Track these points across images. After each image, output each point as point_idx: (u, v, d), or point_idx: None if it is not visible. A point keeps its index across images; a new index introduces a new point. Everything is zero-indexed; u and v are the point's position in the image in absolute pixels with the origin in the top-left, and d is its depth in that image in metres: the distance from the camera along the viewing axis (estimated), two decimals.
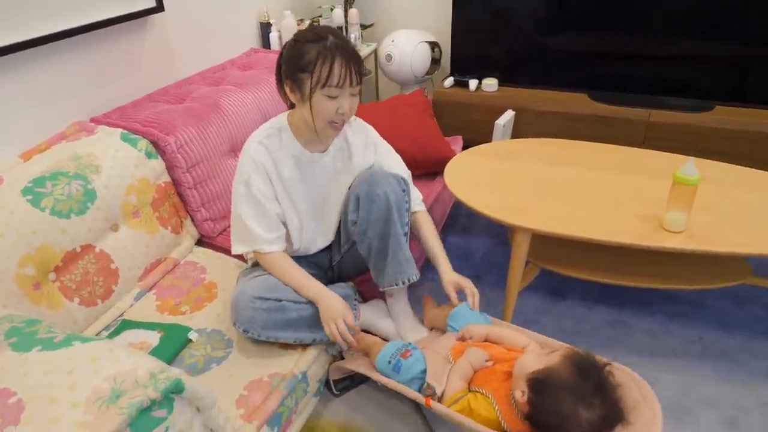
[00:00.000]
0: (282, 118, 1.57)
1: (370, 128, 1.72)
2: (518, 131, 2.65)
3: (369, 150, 1.68)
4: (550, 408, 1.14)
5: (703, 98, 2.50)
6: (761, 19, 2.31)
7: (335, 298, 1.51)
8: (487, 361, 1.34)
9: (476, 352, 1.35)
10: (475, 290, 1.57)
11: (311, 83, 1.38)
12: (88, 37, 1.84)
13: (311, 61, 1.36)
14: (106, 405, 0.89)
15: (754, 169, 1.87)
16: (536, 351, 1.36)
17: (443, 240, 2.33)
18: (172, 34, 2.18)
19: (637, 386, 1.25)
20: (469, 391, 1.31)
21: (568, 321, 1.90)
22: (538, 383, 1.17)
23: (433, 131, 2.37)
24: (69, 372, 0.94)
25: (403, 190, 1.57)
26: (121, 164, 1.69)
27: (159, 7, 2.05)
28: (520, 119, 2.63)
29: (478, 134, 2.60)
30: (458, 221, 2.45)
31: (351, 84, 1.38)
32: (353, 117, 1.67)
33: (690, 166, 1.48)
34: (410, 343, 1.47)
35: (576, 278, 1.79)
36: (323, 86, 1.37)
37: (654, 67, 2.56)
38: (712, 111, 2.44)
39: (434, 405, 1.28)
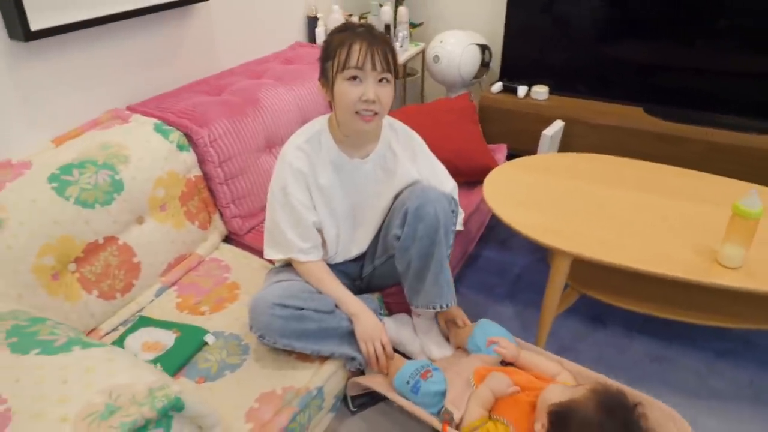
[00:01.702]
0: (322, 121, 1.51)
1: (416, 136, 1.64)
2: (567, 143, 2.52)
3: (414, 160, 1.60)
4: None
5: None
6: None
7: (374, 317, 1.49)
8: (510, 387, 1.25)
9: (499, 378, 1.27)
10: (467, 322, 1.57)
11: (333, 69, 1.34)
12: (130, 23, 1.81)
13: (334, 47, 1.33)
14: (98, 422, 0.84)
15: None
16: (566, 381, 1.26)
17: (478, 254, 2.25)
18: (215, 24, 2.14)
19: (677, 426, 1.14)
20: (490, 418, 1.22)
21: (607, 350, 1.77)
22: (559, 416, 1.09)
23: (476, 138, 2.26)
24: (63, 382, 0.89)
25: (453, 211, 1.50)
26: (150, 156, 1.65)
27: None
28: (569, 131, 2.50)
29: (524, 144, 2.49)
30: (496, 233, 2.35)
31: (374, 67, 1.31)
32: (399, 124, 1.60)
33: (753, 197, 1.35)
34: (431, 363, 1.40)
35: (619, 306, 1.67)
36: (343, 68, 1.32)
37: (717, 82, 2.39)
38: None
39: None
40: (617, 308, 1.72)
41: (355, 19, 2.66)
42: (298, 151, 1.46)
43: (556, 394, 1.15)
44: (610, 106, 2.54)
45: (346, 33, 1.34)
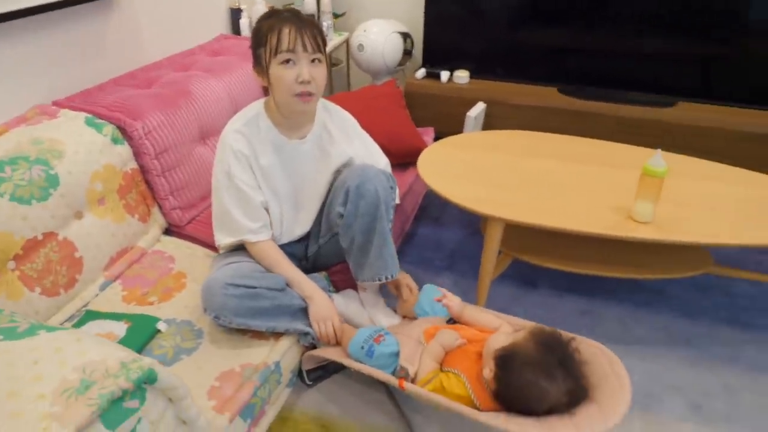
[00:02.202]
0: (258, 105, 1.55)
1: (349, 116, 1.70)
2: (490, 124, 2.67)
3: (349, 139, 1.66)
4: (514, 382, 1.17)
5: (668, 94, 2.55)
6: (722, 17, 2.37)
7: (327, 298, 1.55)
8: (457, 340, 1.35)
9: (448, 334, 1.37)
10: (412, 282, 1.65)
11: (266, 55, 1.38)
12: (49, 16, 1.76)
13: (264, 33, 1.38)
14: (75, 396, 0.86)
15: (718, 163, 1.91)
16: (507, 331, 1.37)
17: (414, 231, 2.35)
18: (139, 16, 2.11)
19: (607, 358, 1.29)
20: (442, 371, 1.31)
21: (540, 310, 1.92)
22: (504, 359, 1.19)
23: (405, 122, 2.36)
24: (34, 362, 0.90)
25: (391, 187, 1.57)
26: (85, 149, 1.63)
27: None
28: (491, 112, 2.64)
29: (449, 126, 2.61)
30: (429, 212, 2.46)
31: (305, 49, 1.37)
32: (332, 105, 1.66)
33: (658, 158, 1.51)
34: (382, 328, 1.48)
35: (547, 268, 1.81)
36: (275, 53, 1.37)
37: (621, 63, 2.60)
38: (675, 107, 2.50)
39: (407, 386, 1.30)
40: (546, 270, 1.86)
41: None
42: (237, 134, 1.49)
43: (499, 340, 1.25)
44: (527, 87, 2.70)
45: (273, 19, 1.38)
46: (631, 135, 2.48)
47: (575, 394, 1.16)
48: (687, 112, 2.45)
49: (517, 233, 1.89)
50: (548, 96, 2.61)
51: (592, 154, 1.96)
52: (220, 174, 1.52)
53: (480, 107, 2.56)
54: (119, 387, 0.89)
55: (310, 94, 1.41)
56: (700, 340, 1.81)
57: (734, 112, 2.43)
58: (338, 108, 1.67)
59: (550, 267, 1.81)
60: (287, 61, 1.37)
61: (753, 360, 1.73)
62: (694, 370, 1.70)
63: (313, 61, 1.40)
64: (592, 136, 2.13)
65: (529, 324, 1.42)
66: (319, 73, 1.41)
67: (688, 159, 1.94)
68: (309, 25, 1.38)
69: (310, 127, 1.58)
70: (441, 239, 2.30)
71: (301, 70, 1.37)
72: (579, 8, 2.56)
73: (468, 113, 2.49)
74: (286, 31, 1.35)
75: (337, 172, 1.63)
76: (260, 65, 1.43)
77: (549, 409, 1.16)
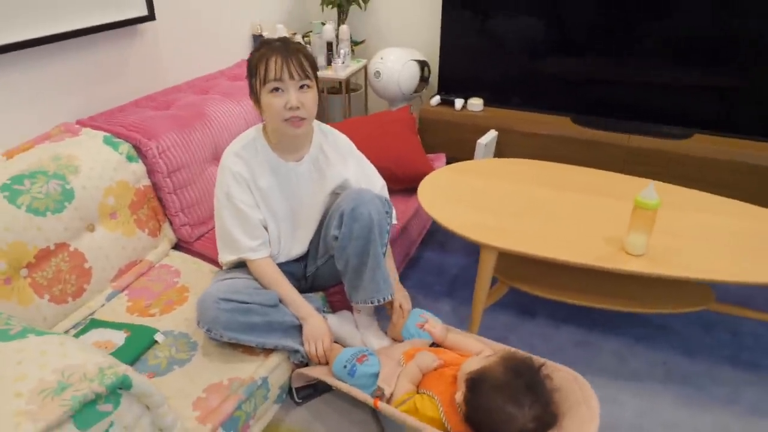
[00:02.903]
0: (255, 130, 1.63)
1: (345, 139, 1.75)
2: (502, 152, 2.69)
3: (345, 160, 1.71)
4: (482, 405, 1.19)
5: (683, 125, 2.54)
6: (741, 50, 2.36)
7: (320, 318, 1.60)
8: (434, 362, 1.38)
9: (426, 356, 1.39)
10: (407, 304, 1.67)
11: (257, 85, 1.46)
12: (79, 41, 1.89)
13: (254, 64, 1.46)
14: (51, 396, 0.92)
15: (719, 197, 1.90)
16: (486, 354, 1.39)
17: (420, 255, 2.38)
18: (162, 42, 2.23)
19: (579, 386, 1.30)
20: (418, 392, 1.34)
21: (535, 339, 1.92)
22: (474, 382, 1.22)
23: (415, 147, 2.40)
24: (18, 363, 0.96)
25: (387, 212, 1.61)
26: (100, 166, 1.73)
27: (150, 16, 2.10)
28: (504, 140, 2.67)
29: (461, 153, 2.64)
30: (436, 237, 2.49)
31: (291, 77, 1.43)
32: (328, 128, 1.72)
33: (650, 190, 1.51)
34: (367, 349, 1.51)
35: (546, 298, 1.82)
36: (264, 83, 1.44)
37: (636, 93, 2.60)
38: (691, 138, 2.48)
39: (381, 406, 1.33)
40: (545, 300, 1.87)
41: (298, 37, 2.79)
42: (235, 157, 1.57)
43: (472, 364, 1.28)
44: (541, 116, 2.72)
45: (262, 49, 1.46)
46: (644, 166, 2.48)
47: (542, 420, 1.17)
48: (702, 144, 2.43)
49: (514, 262, 1.90)
50: (561, 125, 2.63)
51: (594, 184, 1.97)
52: (221, 194, 1.59)
53: (491, 135, 2.59)
54: (92, 390, 0.94)
55: (300, 119, 1.48)
56: (699, 378, 1.78)
57: (752, 145, 2.40)
58: (334, 131, 1.73)
59: (547, 297, 1.81)
60: (276, 89, 1.45)
61: (753, 403, 1.69)
62: (689, 409, 1.67)
63: (301, 87, 1.46)
64: (602, 167, 2.14)
65: (511, 350, 1.43)
66: (308, 98, 1.48)
67: (690, 192, 1.93)
68: (295, 53, 1.45)
69: (307, 149, 1.64)
70: (444, 265, 2.32)
71: (290, 97, 1.44)
72: (595, 38, 2.58)
73: (479, 140, 2.53)
74: (273, 60, 1.43)
75: (334, 194, 1.68)
76: (254, 94, 1.50)
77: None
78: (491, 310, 2.02)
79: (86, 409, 0.95)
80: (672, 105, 2.56)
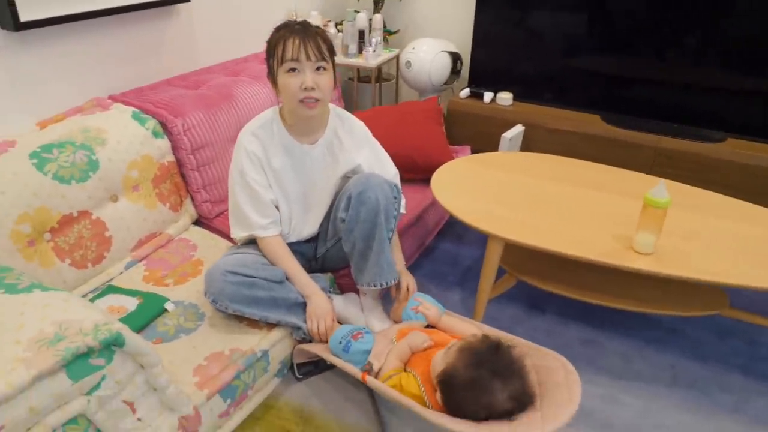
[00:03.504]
0: (273, 111, 1.67)
1: (361, 125, 1.78)
2: (528, 147, 2.67)
3: (359, 146, 1.74)
4: (458, 404, 1.22)
5: (717, 129, 2.47)
6: None
7: (324, 297, 1.64)
8: (425, 342, 1.40)
9: (417, 335, 1.42)
10: (413, 285, 1.70)
11: (275, 65, 1.50)
12: (115, 18, 1.97)
13: (273, 44, 1.50)
14: (47, 346, 0.98)
15: (742, 201, 1.84)
16: (450, 344, 1.39)
17: (436, 246, 2.39)
18: (197, 24, 2.30)
19: (565, 372, 1.30)
20: (405, 371, 1.36)
21: (540, 334, 1.91)
22: (445, 385, 1.24)
23: (438, 138, 2.41)
24: (21, 314, 1.03)
25: (395, 197, 1.64)
26: (127, 140, 1.81)
27: None
28: (530, 135, 2.65)
29: (487, 146, 2.63)
30: (454, 229, 2.49)
31: (308, 58, 1.47)
32: (345, 114, 1.75)
33: (660, 189, 1.49)
34: (363, 327, 1.54)
35: (557, 294, 1.81)
36: (281, 63, 1.48)
37: (670, 93, 2.54)
38: (725, 143, 2.41)
39: (369, 380, 1.37)
40: (557, 297, 1.86)
41: (332, 25, 2.82)
42: (251, 137, 1.61)
43: (438, 362, 1.29)
44: (570, 113, 2.69)
45: (282, 31, 1.50)
46: (672, 169, 2.42)
47: (518, 398, 1.19)
48: (737, 149, 2.36)
49: (525, 255, 1.90)
50: (590, 123, 2.59)
51: (610, 182, 1.94)
52: (235, 172, 1.64)
53: (517, 129, 2.57)
54: (85, 344, 1.00)
55: (315, 100, 1.51)
56: (707, 384, 1.74)
57: None
58: (351, 116, 1.76)
59: (554, 292, 1.80)
60: (292, 69, 1.48)
61: (760, 413, 1.64)
62: (692, 415, 1.63)
63: (318, 69, 1.49)
64: (630, 168, 2.10)
65: (500, 335, 1.44)
66: (324, 80, 1.51)
67: (706, 193, 1.88)
68: (313, 35, 1.48)
69: (322, 132, 1.68)
70: (459, 256, 2.33)
71: (305, 78, 1.48)
72: (633, 36, 2.53)
73: (503, 134, 2.51)
74: (291, 41, 1.46)
75: (346, 178, 1.71)
76: (272, 74, 1.54)
77: (498, 415, 1.19)
78: (499, 301, 2.01)
79: (78, 361, 1.01)
80: (707, 107, 2.49)
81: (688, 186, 1.91)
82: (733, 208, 1.81)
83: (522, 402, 1.20)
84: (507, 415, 1.19)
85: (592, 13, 2.57)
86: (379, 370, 1.39)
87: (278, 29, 1.53)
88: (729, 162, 2.34)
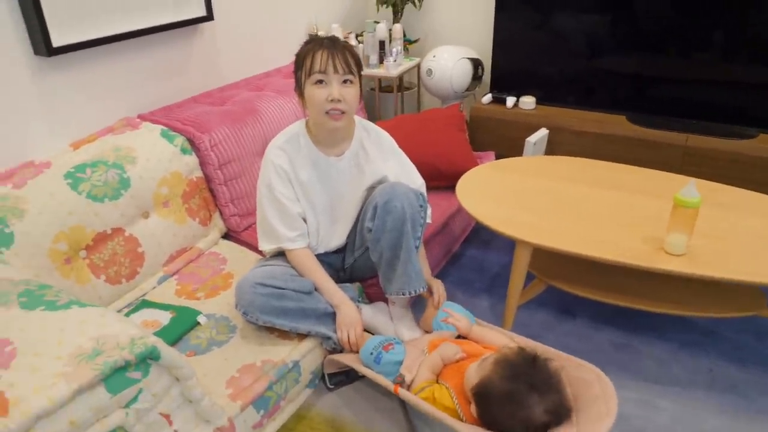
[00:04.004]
0: (299, 124, 1.69)
1: (387, 136, 1.79)
2: (553, 151, 2.65)
3: (385, 157, 1.75)
4: (495, 418, 1.21)
5: (746, 125, 2.42)
6: None
7: (353, 307, 1.65)
8: (457, 354, 1.39)
9: (449, 347, 1.41)
10: (442, 292, 1.70)
11: (303, 78, 1.53)
12: (143, 40, 2.02)
13: (302, 58, 1.53)
14: (86, 361, 1.01)
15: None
16: (485, 355, 1.38)
17: (463, 252, 2.38)
18: (220, 41, 2.35)
19: (600, 383, 1.28)
20: (437, 382, 1.36)
21: (572, 339, 1.88)
22: (481, 398, 1.23)
23: (462, 145, 2.41)
24: (61, 330, 1.06)
25: (421, 206, 1.64)
26: (156, 158, 1.85)
27: (209, 17, 2.22)
28: (555, 138, 2.63)
29: (511, 151, 2.61)
30: (480, 235, 2.48)
31: (336, 71, 1.49)
32: (371, 125, 1.76)
33: (691, 188, 1.47)
34: (394, 338, 1.55)
35: (589, 299, 1.79)
36: (309, 75, 1.51)
37: (696, 91, 2.50)
38: (756, 139, 2.36)
39: (401, 392, 1.37)
40: (588, 301, 1.84)
41: (352, 37, 2.85)
42: (279, 151, 1.64)
43: (472, 374, 1.28)
44: (594, 114, 2.66)
45: (311, 44, 1.53)
46: (702, 167, 2.38)
47: (554, 411, 1.17)
48: (766, 146, 2.31)
49: (553, 260, 1.88)
50: (615, 124, 2.56)
51: (638, 183, 1.92)
52: (263, 186, 1.67)
53: (542, 133, 2.56)
54: (123, 358, 1.03)
55: (341, 112, 1.53)
56: (747, 388, 1.69)
57: None
58: (377, 128, 1.77)
59: (584, 296, 1.78)
60: (320, 81, 1.50)
61: None
62: (733, 420, 1.60)
63: (345, 82, 1.52)
64: (658, 168, 2.07)
65: (531, 345, 1.43)
66: (350, 92, 1.53)
67: (738, 191, 1.85)
68: (341, 49, 1.50)
69: (348, 144, 1.69)
70: (486, 262, 2.32)
71: (332, 90, 1.50)
72: (653, 34, 2.50)
73: (528, 138, 2.50)
74: (319, 54, 1.49)
75: (372, 189, 1.72)
76: (298, 86, 1.57)
77: (534, 429, 1.18)
78: (529, 307, 2.00)
79: (116, 375, 1.03)
80: (737, 103, 2.45)
81: (719, 184, 1.87)
82: (765, 205, 1.77)
83: (559, 415, 1.19)
84: (543, 429, 1.18)
85: (613, 13, 2.54)
86: (411, 381, 1.38)
87: (307, 42, 1.56)
88: (762, 158, 2.28)
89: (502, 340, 1.45)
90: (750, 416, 1.60)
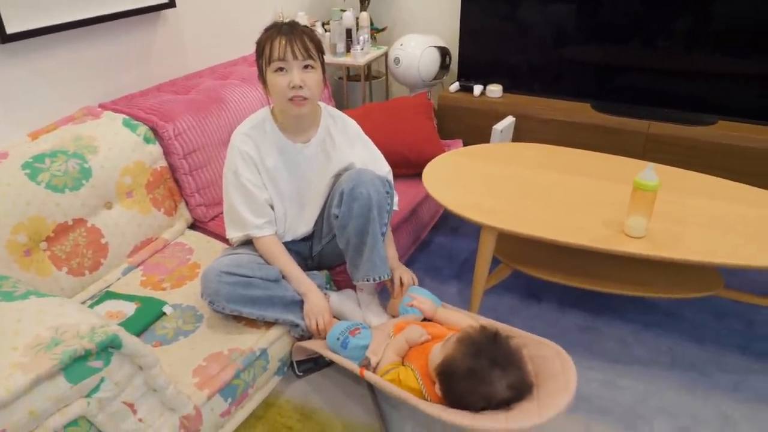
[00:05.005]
0: (265, 111, 1.68)
1: (354, 123, 1.79)
2: (519, 138, 2.68)
3: (352, 144, 1.75)
4: (458, 395, 1.22)
5: (706, 112, 2.48)
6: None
7: (321, 295, 1.65)
8: (422, 336, 1.41)
9: (414, 330, 1.43)
10: (408, 279, 1.71)
11: (264, 66, 1.51)
12: (103, 27, 1.98)
13: (261, 45, 1.51)
14: (44, 351, 0.99)
15: (733, 182, 1.85)
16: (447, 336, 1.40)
17: (431, 240, 2.40)
18: (184, 29, 2.31)
19: (560, 359, 1.31)
20: (403, 365, 1.37)
21: (538, 323, 1.92)
22: (445, 377, 1.24)
23: (429, 133, 2.42)
24: (18, 320, 1.04)
25: (387, 192, 1.65)
26: (118, 147, 1.81)
27: (171, 3, 2.18)
28: (521, 126, 2.66)
29: (478, 139, 2.64)
30: (449, 223, 2.50)
31: (295, 57, 1.48)
32: (337, 112, 1.76)
33: (649, 172, 1.50)
34: (360, 323, 1.55)
35: (555, 283, 1.82)
36: (269, 62, 1.50)
37: (658, 79, 2.55)
38: (715, 125, 2.42)
39: (367, 374, 1.38)
40: (554, 286, 1.87)
41: (318, 26, 2.83)
42: (245, 137, 1.62)
43: (436, 354, 1.30)
44: (560, 102, 2.70)
45: (270, 31, 1.52)
46: (663, 154, 2.43)
47: (517, 387, 1.20)
48: (728, 132, 2.37)
49: (519, 245, 1.90)
50: (580, 112, 2.60)
51: (601, 169, 1.95)
52: (229, 173, 1.65)
53: (508, 121, 2.58)
54: (82, 347, 1.01)
55: (303, 98, 1.52)
56: (705, 365, 1.75)
57: None
58: (343, 115, 1.77)
59: (549, 280, 1.81)
60: (280, 69, 1.49)
61: (759, 391, 1.65)
62: (692, 395, 1.65)
63: (305, 67, 1.50)
64: (621, 154, 2.10)
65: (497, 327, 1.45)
66: (312, 78, 1.52)
67: (694, 174, 1.89)
68: (300, 35, 1.49)
69: (315, 131, 1.68)
70: (454, 249, 2.34)
71: (293, 77, 1.49)
72: (617, 23, 2.54)
73: (494, 126, 2.52)
74: (278, 41, 1.48)
75: (338, 176, 1.72)
76: (261, 75, 1.56)
77: (496, 404, 1.20)
78: (496, 292, 2.03)
79: (76, 364, 1.02)
80: (697, 91, 2.50)
81: (678, 169, 1.92)
82: (723, 189, 1.82)
83: (520, 391, 1.21)
84: (505, 404, 1.20)
85: (578, 3, 2.58)
86: (377, 364, 1.39)
87: (266, 30, 1.54)
88: (720, 144, 2.35)
89: (466, 321, 1.47)
90: (709, 392, 1.65)
